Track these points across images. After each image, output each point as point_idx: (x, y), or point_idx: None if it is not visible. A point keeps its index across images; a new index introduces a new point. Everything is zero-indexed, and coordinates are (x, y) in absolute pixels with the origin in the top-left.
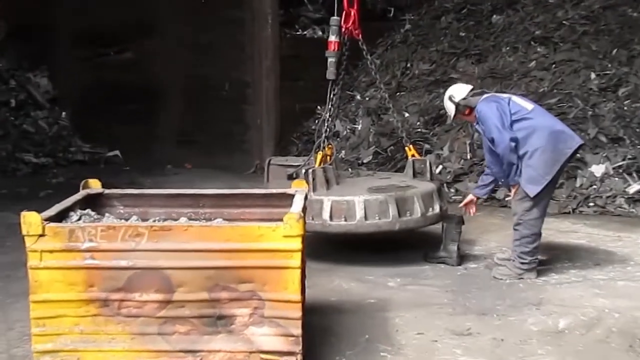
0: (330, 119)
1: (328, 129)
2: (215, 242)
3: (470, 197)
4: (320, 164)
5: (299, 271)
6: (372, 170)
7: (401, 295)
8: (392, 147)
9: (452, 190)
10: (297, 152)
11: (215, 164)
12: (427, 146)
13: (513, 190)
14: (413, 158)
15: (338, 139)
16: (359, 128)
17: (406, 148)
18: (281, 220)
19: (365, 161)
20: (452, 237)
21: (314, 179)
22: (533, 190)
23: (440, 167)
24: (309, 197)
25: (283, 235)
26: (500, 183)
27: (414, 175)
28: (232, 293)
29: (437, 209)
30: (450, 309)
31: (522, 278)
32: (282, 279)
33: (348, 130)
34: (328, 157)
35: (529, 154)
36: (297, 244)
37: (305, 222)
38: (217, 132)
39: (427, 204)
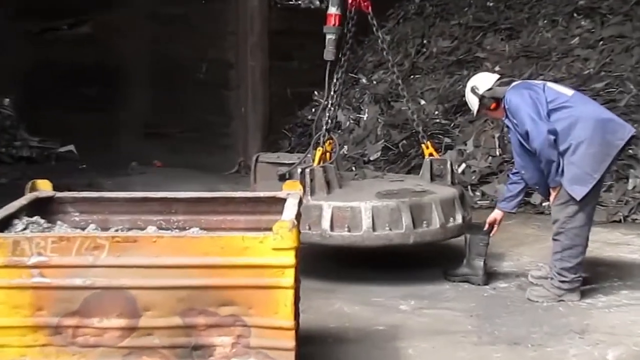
0: (331, 108)
1: (328, 120)
2: (190, 256)
3: (495, 214)
4: (319, 163)
5: (291, 292)
6: (380, 169)
7: (416, 321)
8: (404, 142)
9: (478, 193)
10: (290, 148)
11: (190, 161)
12: (447, 140)
13: (553, 194)
14: (431, 157)
15: (339, 131)
16: (365, 118)
17: (422, 145)
18: (270, 229)
19: (372, 158)
20: (477, 251)
21: (311, 181)
22: (579, 191)
23: (464, 165)
24: (304, 202)
25: (273, 248)
26: (536, 189)
27: (432, 177)
28: (211, 318)
29: (459, 218)
30: (475, 337)
31: (562, 300)
32: (272, 301)
33: (351, 121)
34: (328, 155)
35: (572, 149)
36: (290, 258)
37: (299, 232)
38: (193, 123)
39: (447, 212)
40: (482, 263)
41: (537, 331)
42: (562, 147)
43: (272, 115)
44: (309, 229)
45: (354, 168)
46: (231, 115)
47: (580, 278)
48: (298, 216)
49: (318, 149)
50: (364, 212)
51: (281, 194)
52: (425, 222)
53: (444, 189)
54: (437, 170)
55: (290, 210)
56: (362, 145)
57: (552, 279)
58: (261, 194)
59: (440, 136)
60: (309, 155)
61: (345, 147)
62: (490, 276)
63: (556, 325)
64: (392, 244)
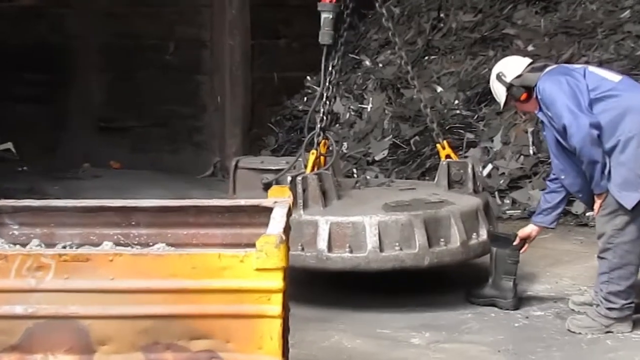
0: (326, 101)
1: (324, 116)
2: (154, 278)
3: (529, 229)
4: (312, 169)
5: (279, 322)
6: (387, 172)
7: (432, 357)
8: (417, 138)
9: (507, 201)
10: (277, 146)
11: (155, 162)
12: (469, 136)
13: (598, 202)
14: (448, 160)
15: (338, 125)
16: (369, 109)
17: (438, 145)
18: (253, 245)
19: (377, 158)
20: (505, 269)
21: (304, 191)
22: (629, 199)
23: (490, 167)
24: (296, 217)
25: (256, 269)
26: (578, 198)
27: (450, 184)
28: (180, 354)
29: (483, 234)
30: None
31: (610, 331)
32: (255, 334)
33: (352, 113)
34: (323, 159)
35: (620, 146)
36: (277, 281)
37: (288, 249)
38: (158, 116)
39: (469, 227)
40: (511, 284)
41: None
42: (608, 145)
43: (255, 106)
44: (302, 249)
45: (355, 171)
46: (205, 106)
47: (632, 304)
48: (287, 229)
49: (311, 152)
50: (368, 228)
51: (266, 202)
52: (442, 239)
53: (464, 199)
54: (456, 175)
55: (277, 222)
56: (366, 142)
57: (597, 305)
58: (242, 202)
59: (460, 131)
60: (300, 159)
61: (345, 144)
62: (521, 301)
63: None
64: (403, 266)
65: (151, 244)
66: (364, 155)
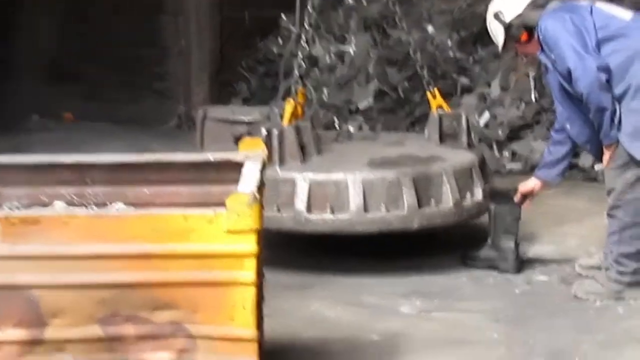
0: (305, 44)
1: (302, 62)
2: (112, 242)
3: (531, 183)
4: (290, 121)
5: (252, 289)
6: (372, 122)
7: (422, 328)
8: (406, 84)
9: (507, 153)
10: (250, 94)
11: (113, 112)
12: (464, 81)
13: (607, 154)
14: (440, 111)
15: (317, 70)
16: (352, 52)
17: (428, 94)
18: (223, 205)
19: (362, 107)
20: (505, 228)
21: (280, 146)
22: None
23: (487, 115)
24: (273, 173)
25: (227, 230)
26: (586, 149)
27: (442, 138)
28: (143, 327)
29: (478, 194)
30: (503, 349)
31: (621, 298)
32: (226, 303)
33: (333, 56)
34: (300, 109)
35: (632, 92)
36: (250, 244)
37: (262, 209)
38: (116, 61)
39: (463, 186)
40: (512, 244)
41: (587, 340)
42: (617, 91)
43: (224, 49)
44: (278, 210)
45: (336, 121)
46: (168, 50)
47: None
48: (261, 187)
49: (288, 101)
50: (352, 187)
51: (237, 156)
52: (433, 199)
53: (458, 155)
54: (448, 128)
55: (249, 178)
56: (348, 89)
57: (607, 269)
58: (210, 157)
59: (454, 75)
60: (276, 109)
61: (325, 91)
62: (523, 264)
63: (613, 333)
64: (390, 229)
65: (109, 204)
66: (346, 104)
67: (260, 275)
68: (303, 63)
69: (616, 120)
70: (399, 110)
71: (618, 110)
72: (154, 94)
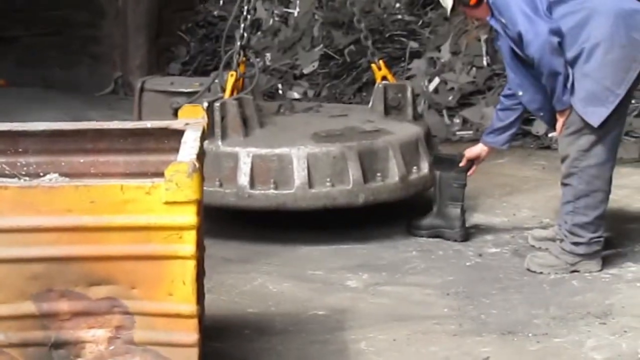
0: (246, 14)
1: (244, 32)
2: (46, 214)
3: (478, 148)
4: (231, 94)
5: (192, 263)
6: (317, 87)
7: (370, 302)
8: (352, 47)
9: (457, 120)
10: (189, 57)
11: (46, 78)
12: (413, 45)
13: (560, 121)
14: (385, 82)
15: (259, 33)
16: (296, 14)
17: (373, 66)
18: (161, 175)
19: (306, 71)
20: (451, 195)
21: (222, 119)
22: (596, 115)
23: (437, 80)
24: (214, 148)
25: (165, 202)
26: (539, 116)
27: (387, 110)
28: (78, 303)
29: (424, 168)
30: (453, 324)
31: (576, 270)
32: (165, 278)
33: (276, 18)
34: (242, 80)
35: (585, 55)
36: (190, 215)
37: (202, 179)
38: (48, 24)
39: (409, 160)
40: (458, 211)
41: (540, 315)
42: (570, 54)
43: (162, 11)
44: (221, 185)
45: (280, 87)
46: (103, 11)
47: (600, 239)
48: (201, 156)
49: (230, 73)
50: (296, 161)
51: (176, 124)
52: (379, 174)
53: (403, 127)
54: (393, 100)
55: (189, 147)
56: (292, 53)
57: (562, 240)
58: (148, 124)
59: (403, 39)
60: (217, 80)
61: (268, 55)
62: (471, 233)
63: (568, 307)
64: (335, 204)
65: (42, 174)
66: (290, 68)
67: (200, 248)
68: (244, 33)
69: (569, 85)
70: (345, 76)
71: (571, 74)
72: (89, 58)
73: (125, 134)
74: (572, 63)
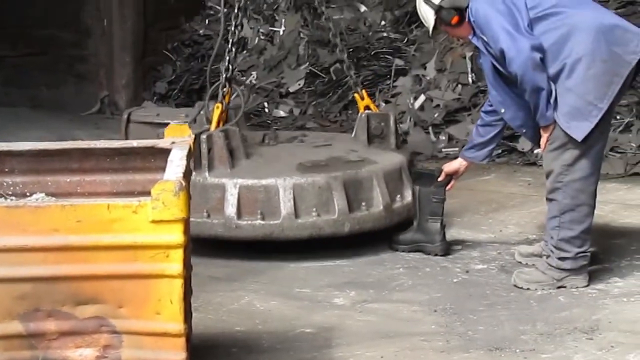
0: (232, 47)
1: (229, 64)
2: (33, 234)
3: (457, 163)
4: (218, 125)
5: (180, 282)
6: (303, 105)
7: (357, 320)
8: (337, 65)
9: (443, 137)
10: (175, 76)
11: (33, 98)
12: (399, 62)
13: (544, 136)
14: (367, 112)
15: (245, 52)
16: (281, 32)
17: (356, 95)
18: (148, 194)
19: (292, 90)
20: (431, 210)
21: (209, 151)
22: (579, 129)
23: (423, 98)
24: (202, 179)
25: (152, 220)
26: (522, 133)
27: (370, 140)
28: (65, 322)
29: (407, 196)
30: (441, 341)
31: (563, 286)
32: (152, 297)
33: (262, 37)
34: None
35: (567, 70)
36: (177, 234)
37: (189, 197)
38: (34, 43)
39: (393, 189)
40: (438, 225)
41: (527, 331)
42: (552, 70)
43: (148, 30)
44: (208, 216)
45: (266, 105)
46: (89, 30)
47: (587, 253)
48: (187, 174)
49: (216, 105)
50: (282, 192)
51: (163, 142)
52: (364, 203)
53: (386, 156)
54: (376, 129)
55: (176, 165)
56: (278, 71)
57: (548, 256)
58: (134, 143)
59: (388, 57)
60: (202, 111)
61: (254, 74)
62: (460, 252)
63: (554, 322)
64: (322, 234)
65: (28, 194)
66: (276, 87)
67: (187, 266)
68: (230, 66)
69: (552, 101)
70: (331, 94)
71: (554, 90)
72: (75, 77)
73: (111, 153)
74: (555, 78)
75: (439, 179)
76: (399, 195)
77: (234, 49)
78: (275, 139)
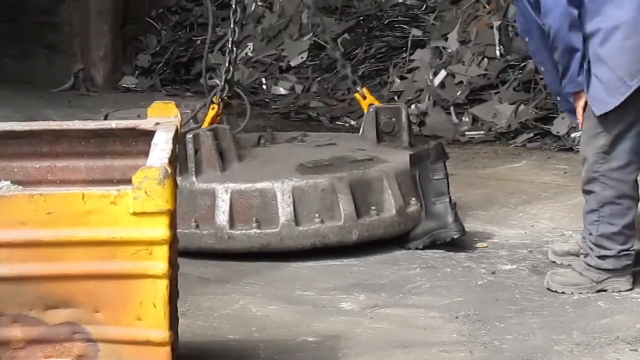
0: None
1: (230, 66)
2: None
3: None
4: (210, 122)
5: (164, 283)
6: (306, 81)
7: (367, 327)
8: (346, 36)
9: (466, 119)
10: (159, 49)
11: None
12: (416, 33)
13: (579, 105)
14: (376, 106)
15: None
16: None
17: (357, 95)
18: (128, 182)
19: (293, 64)
20: (435, 190)
21: (197, 152)
22: (600, 104)
23: (444, 73)
24: (188, 185)
25: (133, 213)
26: (557, 102)
27: (379, 137)
28: (33, 329)
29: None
30: (463, 352)
31: (603, 290)
32: (132, 300)
33: (260, 3)
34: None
35: (601, 36)
36: (161, 228)
37: (176, 186)
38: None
39: (406, 191)
40: (447, 205)
41: (562, 340)
42: (588, 29)
43: None
44: (197, 227)
45: (264, 81)
46: None
47: (631, 252)
48: (173, 160)
49: (212, 106)
50: (280, 196)
51: (145, 123)
52: (374, 207)
53: (398, 155)
54: (386, 125)
55: (160, 149)
56: (278, 43)
57: (586, 255)
58: (113, 124)
59: (404, 26)
60: (187, 110)
61: (250, 46)
62: (485, 251)
63: (593, 331)
64: (326, 243)
65: None
66: (275, 60)
67: (173, 265)
68: (230, 67)
69: (585, 65)
70: (336, 69)
71: (587, 54)
72: (46, 48)
73: (87, 135)
74: (588, 39)
75: (578, 122)
76: (413, 198)
77: (235, 49)
78: (272, 140)
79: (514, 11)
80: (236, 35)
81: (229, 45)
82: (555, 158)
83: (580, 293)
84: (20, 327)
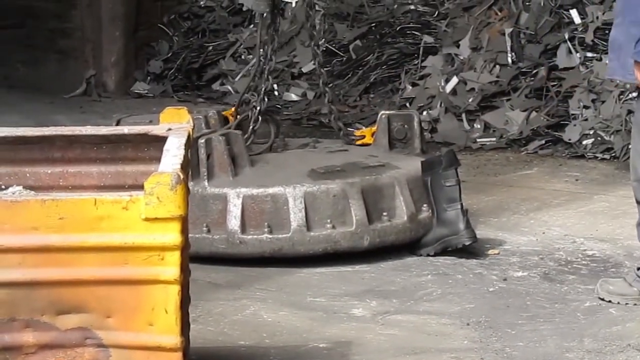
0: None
1: (265, 95)
2: (9, 233)
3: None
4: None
5: (176, 289)
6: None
7: (379, 334)
8: (358, 42)
9: (478, 125)
10: (171, 55)
11: (9, 77)
12: (428, 40)
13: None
14: (388, 112)
15: (251, 26)
16: (294, 4)
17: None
18: (140, 187)
19: (305, 70)
20: (446, 196)
21: (209, 157)
22: None
23: (455, 80)
24: (200, 189)
25: (144, 218)
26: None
27: (391, 144)
28: (45, 334)
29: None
30: (474, 358)
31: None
32: (144, 305)
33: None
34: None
35: None
36: (173, 234)
37: (188, 192)
38: (10, 14)
39: (418, 197)
40: (459, 212)
41: (574, 347)
42: None
43: (142, 1)
44: (208, 231)
45: (275, 87)
46: (73, 1)
47: None
48: (185, 165)
49: (232, 113)
50: (292, 202)
51: (157, 129)
52: (385, 213)
53: (410, 161)
54: (398, 132)
55: (172, 155)
56: (290, 49)
57: (638, 268)
58: (125, 130)
59: (416, 33)
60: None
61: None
62: (497, 257)
63: (605, 338)
64: (337, 248)
65: (4, 187)
66: (287, 66)
67: (185, 271)
68: (265, 86)
69: None
70: (350, 75)
71: None
72: (57, 54)
73: (99, 140)
74: None
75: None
76: (425, 205)
77: (270, 77)
78: (283, 146)
79: (526, 18)
80: (272, 63)
81: (265, 75)
82: (566, 165)
83: (619, 303)
84: (32, 332)
